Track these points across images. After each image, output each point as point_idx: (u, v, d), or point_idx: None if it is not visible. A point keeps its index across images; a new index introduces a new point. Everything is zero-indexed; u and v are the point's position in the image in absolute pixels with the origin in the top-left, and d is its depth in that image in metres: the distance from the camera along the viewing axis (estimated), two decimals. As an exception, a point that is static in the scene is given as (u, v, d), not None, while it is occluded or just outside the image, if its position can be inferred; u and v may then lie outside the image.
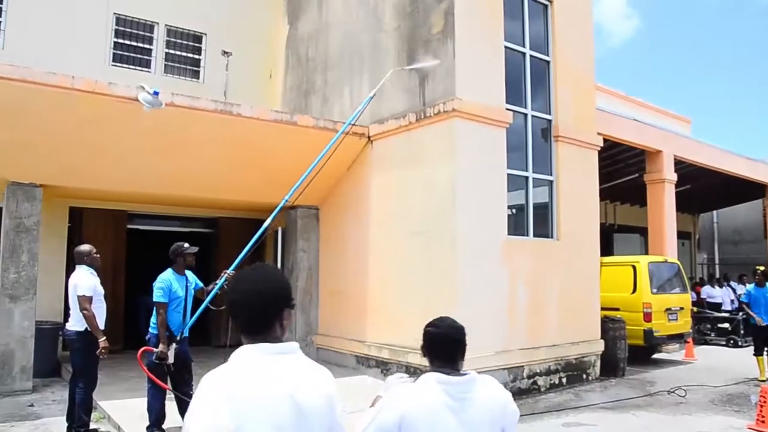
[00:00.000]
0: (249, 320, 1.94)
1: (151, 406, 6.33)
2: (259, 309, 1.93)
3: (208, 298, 6.49)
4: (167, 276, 6.38)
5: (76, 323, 6.34)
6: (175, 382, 6.40)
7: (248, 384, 1.80)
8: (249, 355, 1.88)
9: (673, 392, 8.87)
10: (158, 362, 6.19)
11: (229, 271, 6.42)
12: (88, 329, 6.27)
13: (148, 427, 6.31)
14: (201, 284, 6.76)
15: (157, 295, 6.24)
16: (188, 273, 6.63)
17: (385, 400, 2.42)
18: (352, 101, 10.68)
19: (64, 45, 11.12)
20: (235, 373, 1.83)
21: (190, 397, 6.36)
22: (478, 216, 8.58)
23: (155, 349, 6.21)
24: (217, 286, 6.41)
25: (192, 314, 6.57)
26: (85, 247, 6.65)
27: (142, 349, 6.23)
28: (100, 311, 6.40)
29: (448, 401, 2.34)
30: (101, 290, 6.50)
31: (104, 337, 6.29)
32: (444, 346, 2.52)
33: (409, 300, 8.95)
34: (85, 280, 6.33)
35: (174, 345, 6.24)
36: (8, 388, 8.22)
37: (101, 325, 6.35)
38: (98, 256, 6.68)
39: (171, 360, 6.20)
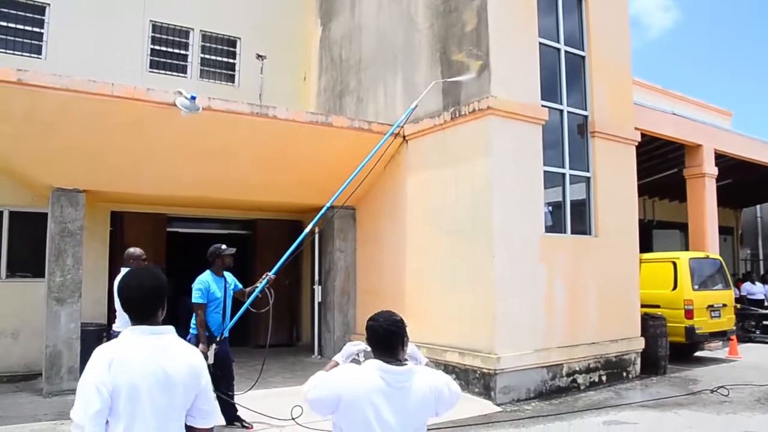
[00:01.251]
0: (137, 309, 2.43)
1: None
2: (146, 301, 2.43)
3: (249, 300, 6.58)
4: (205, 278, 6.47)
5: (122, 325, 6.46)
6: (216, 382, 6.50)
7: (127, 353, 2.31)
8: (131, 334, 2.39)
9: (715, 391, 8.67)
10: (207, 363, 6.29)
11: (271, 274, 6.51)
12: None
13: None
14: (240, 286, 6.84)
15: (195, 297, 6.35)
16: (227, 274, 6.72)
17: (330, 375, 2.65)
18: (386, 101, 10.71)
19: (102, 53, 11.38)
20: (118, 346, 2.35)
21: (232, 398, 6.49)
22: (515, 214, 8.53)
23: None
24: (258, 289, 6.48)
25: (232, 316, 6.66)
26: (135, 251, 6.68)
27: None
28: None
29: (385, 388, 2.52)
30: None
31: None
32: (382, 338, 2.66)
33: (446, 299, 8.95)
34: None
35: (213, 345, 6.33)
36: (56, 388, 8.44)
37: None
38: (146, 261, 6.75)
39: (211, 360, 6.30)
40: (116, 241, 10.95)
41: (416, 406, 2.57)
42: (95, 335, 9.60)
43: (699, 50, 59.90)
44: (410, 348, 2.84)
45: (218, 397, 6.59)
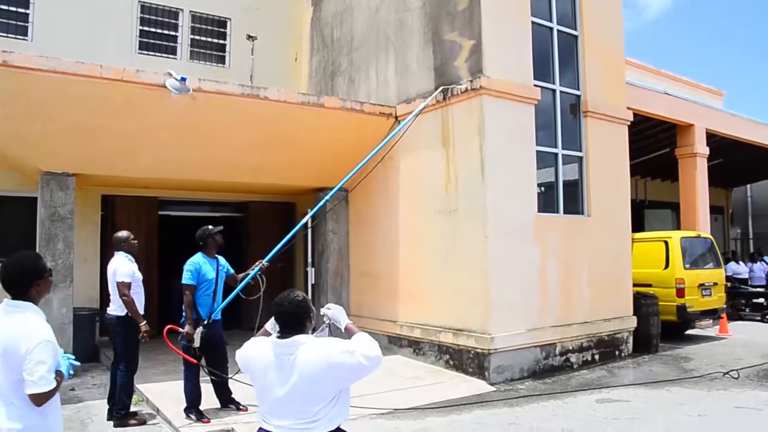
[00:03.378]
0: (9, 288, 2.95)
1: (186, 389, 6.45)
2: (15, 281, 2.95)
3: (240, 286, 6.56)
4: (196, 259, 6.45)
5: (117, 308, 6.46)
6: (208, 364, 6.51)
7: None
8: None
9: (727, 374, 8.61)
10: (187, 344, 6.30)
11: (264, 261, 6.49)
12: (129, 314, 6.39)
13: (185, 409, 6.43)
14: (232, 271, 6.82)
15: (186, 278, 6.33)
16: (220, 258, 6.70)
17: (247, 343, 2.98)
18: (378, 81, 10.63)
19: (90, 35, 11.23)
20: None
21: (226, 381, 6.50)
22: (509, 194, 8.53)
23: (181, 330, 6.31)
24: (249, 276, 6.46)
25: (223, 299, 6.65)
26: (122, 234, 6.74)
27: (168, 327, 6.32)
28: (138, 296, 6.51)
29: (274, 360, 2.75)
30: (139, 276, 6.61)
31: (144, 321, 6.40)
32: (287, 320, 2.84)
33: (440, 279, 8.96)
34: (124, 266, 6.43)
35: (201, 328, 6.31)
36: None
37: (141, 310, 6.46)
38: (135, 242, 6.78)
39: (197, 343, 6.29)
40: (107, 225, 10.91)
41: (302, 377, 2.66)
42: (88, 320, 9.60)
43: (695, 30, 59.70)
44: (333, 312, 3.10)
45: (212, 381, 6.62)
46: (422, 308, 9.29)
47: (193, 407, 6.42)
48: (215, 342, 6.52)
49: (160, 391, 7.47)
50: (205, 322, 6.37)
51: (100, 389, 7.80)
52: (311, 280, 11.11)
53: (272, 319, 3.02)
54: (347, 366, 2.67)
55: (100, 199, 11.12)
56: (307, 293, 11.18)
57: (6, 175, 9.93)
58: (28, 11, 10.96)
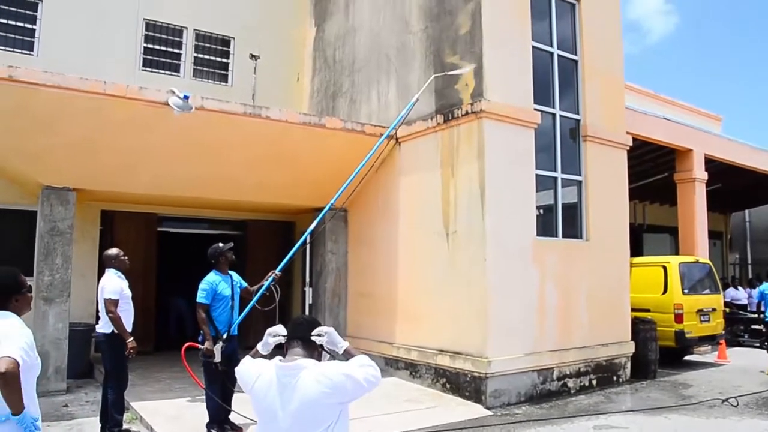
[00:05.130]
0: None
1: (208, 405, 6.42)
2: None
3: (256, 297, 6.60)
4: (211, 278, 6.49)
5: (104, 325, 6.45)
6: (226, 380, 6.48)
7: None
8: None
9: (726, 401, 8.56)
10: (207, 360, 6.30)
11: (277, 271, 6.53)
12: (116, 331, 6.38)
13: (207, 425, 6.41)
14: (245, 284, 6.85)
15: (200, 296, 6.38)
16: (232, 273, 6.73)
17: (248, 362, 2.96)
18: (379, 103, 10.69)
19: (95, 51, 11.31)
20: None
21: (230, 399, 6.46)
22: (508, 217, 8.54)
23: (201, 346, 6.32)
24: (263, 287, 6.49)
25: (239, 314, 6.69)
26: (113, 251, 6.77)
27: (186, 344, 6.31)
28: (127, 313, 6.50)
29: (276, 383, 2.73)
30: (128, 293, 6.60)
31: (131, 338, 6.38)
32: (293, 325, 2.93)
33: (438, 301, 8.94)
34: (112, 283, 6.43)
35: (221, 343, 6.33)
36: (43, 389, 8.31)
37: (129, 327, 6.45)
38: (125, 258, 6.78)
39: (218, 358, 6.28)
40: (106, 240, 10.90)
41: (303, 402, 2.65)
42: (83, 335, 9.55)
43: (696, 55, 60.18)
44: (328, 337, 2.95)
45: (210, 399, 6.57)
46: (420, 330, 9.27)
47: (214, 423, 6.39)
48: (231, 357, 6.51)
49: (155, 409, 7.42)
50: (225, 337, 6.39)
51: (93, 406, 7.74)
52: (309, 300, 11.09)
53: (264, 339, 3.03)
54: (347, 388, 2.67)
55: (99, 215, 11.12)
56: (304, 313, 11.17)
57: (6, 188, 9.96)
58: (34, 27, 11.05)
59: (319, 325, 2.92)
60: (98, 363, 9.32)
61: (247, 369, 2.91)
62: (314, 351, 2.86)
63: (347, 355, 2.94)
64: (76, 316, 9.66)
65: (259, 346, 3.05)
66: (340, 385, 2.66)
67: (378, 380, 2.76)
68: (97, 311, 6.64)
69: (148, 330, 11.24)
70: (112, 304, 6.31)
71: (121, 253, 6.77)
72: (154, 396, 8.13)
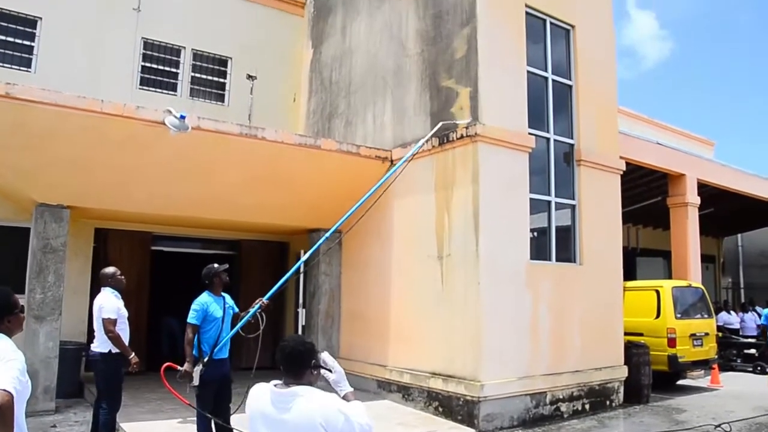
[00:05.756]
0: None
1: (198, 428, 6.32)
2: None
3: (239, 324, 6.50)
4: (203, 299, 6.39)
5: (100, 345, 6.41)
6: (216, 403, 6.37)
7: None
8: None
9: (718, 427, 8.47)
10: (186, 381, 6.19)
11: (264, 299, 6.44)
12: (112, 351, 6.33)
13: None
14: (237, 309, 6.78)
15: (190, 316, 6.25)
16: (225, 296, 6.66)
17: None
18: (375, 125, 10.76)
19: (92, 69, 11.36)
20: None
21: (228, 421, 6.37)
22: (501, 240, 8.56)
23: (179, 368, 6.22)
24: (249, 314, 6.41)
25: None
26: (109, 270, 6.76)
27: (165, 365, 6.24)
28: (123, 333, 6.48)
29: (270, 408, 2.72)
30: (125, 312, 6.58)
31: (133, 354, 6.36)
32: (282, 356, 2.81)
33: (431, 324, 8.93)
34: (110, 303, 6.41)
35: (200, 366, 6.23)
36: (31, 409, 8.21)
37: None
38: (122, 278, 6.78)
39: (195, 381, 6.19)
40: (99, 258, 10.85)
41: (295, 429, 2.63)
42: (74, 354, 9.47)
43: (689, 81, 60.82)
44: (336, 377, 2.96)
45: (200, 421, 6.47)
46: (412, 353, 9.24)
47: None
48: (224, 381, 6.42)
49: (145, 431, 7.34)
50: (206, 360, 6.29)
51: (82, 426, 7.66)
52: (302, 321, 11.05)
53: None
54: (338, 427, 2.62)
55: (93, 232, 11.08)
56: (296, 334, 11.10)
57: (0, 204, 9.92)
58: (33, 44, 11.10)
59: (311, 346, 2.84)
60: (89, 382, 9.23)
61: (252, 389, 2.88)
62: (310, 375, 2.82)
63: (345, 399, 2.90)
64: (67, 335, 9.59)
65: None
66: (334, 421, 2.61)
67: (372, 430, 2.70)
68: (91, 330, 6.60)
69: (140, 349, 11.10)
70: (111, 324, 6.29)
71: (118, 272, 6.76)
72: (144, 417, 8.05)
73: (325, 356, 3.02)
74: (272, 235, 12.59)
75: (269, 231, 12.24)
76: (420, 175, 9.42)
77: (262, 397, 2.77)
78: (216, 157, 8.88)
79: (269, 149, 9.14)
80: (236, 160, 9.08)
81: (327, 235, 7.31)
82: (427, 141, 8.95)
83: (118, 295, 6.60)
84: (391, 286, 9.82)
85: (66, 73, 10.89)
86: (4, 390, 2.65)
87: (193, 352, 6.25)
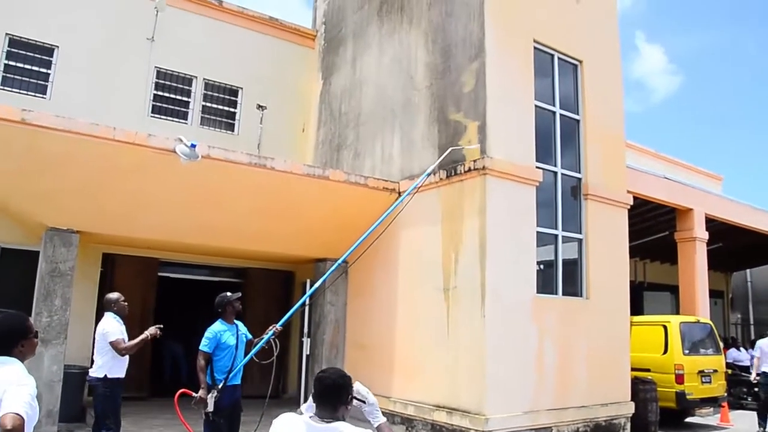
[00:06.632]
0: None
1: None
2: (1, 337, 3.03)
3: (253, 351, 6.54)
4: (216, 327, 6.46)
5: (98, 369, 6.44)
6: (227, 430, 6.37)
7: None
8: None
9: None
10: (205, 411, 6.20)
11: (278, 326, 6.49)
12: (108, 376, 6.36)
13: None
14: (250, 336, 6.83)
15: (202, 344, 6.34)
16: (239, 323, 6.71)
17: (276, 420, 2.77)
18: (383, 156, 10.84)
19: (106, 96, 11.56)
20: None
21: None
22: (508, 274, 8.56)
23: (194, 394, 6.25)
24: (263, 340, 6.46)
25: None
26: (113, 295, 6.82)
27: (180, 391, 6.25)
28: (124, 360, 6.51)
29: None
30: (126, 338, 6.62)
31: (146, 334, 6.49)
32: (321, 387, 2.75)
33: (436, 356, 8.88)
34: (113, 326, 6.48)
35: (215, 392, 6.26)
36: (34, 433, 8.25)
37: (122, 372, 6.52)
38: (126, 304, 6.82)
39: (210, 408, 6.19)
40: (106, 283, 10.89)
41: None
42: (77, 378, 9.45)
43: (698, 115, 61.01)
44: (369, 408, 2.92)
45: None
46: (417, 385, 9.18)
47: None
48: (236, 407, 6.43)
49: (146, 459, 7.31)
50: (219, 387, 6.32)
51: (83, 453, 7.63)
52: (306, 350, 11.02)
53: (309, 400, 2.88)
54: None
55: (100, 257, 11.15)
56: (301, 364, 11.08)
57: (10, 227, 10.01)
58: (49, 71, 11.33)
59: (350, 380, 2.80)
60: (90, 407, 9.21)
61: (279, 421, 2.77)
62: (345, 410, 2.78)
63: (379, 430, 2.87)
64: (71, 359, 9.59)
65: (304, 407, 2.91)
66: None
67: None
68: (92, 354, 6.63)
69: (143, 375, 11.13)
70: (120, 342, 6.37)
71: (122, 297, 6.81)
72: (146, 444, 8.01)
73: (358, 386, 2.97)
74: (279, 263, 12.62)
75: (276, 260, 12.28)
76: (427, 207, 9.47)
77: (296, 430, 2.68)
78: (225, 185, 8.97)
79: (278, 179, 9.22)
80: (245, 189, 9.17)
81: (336, 265, 7.36)
82: (435, 169, 9.02)
83: (120, 321, 6.64)
84: (397, 317, 9.80)
85: (80, 100, 11.08)
86: (17, 414, 2.71)
87: (206, 379, 6.30)
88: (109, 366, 6.43)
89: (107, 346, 6.40)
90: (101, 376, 6.40)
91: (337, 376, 2.78)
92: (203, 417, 6.26)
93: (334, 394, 2.73)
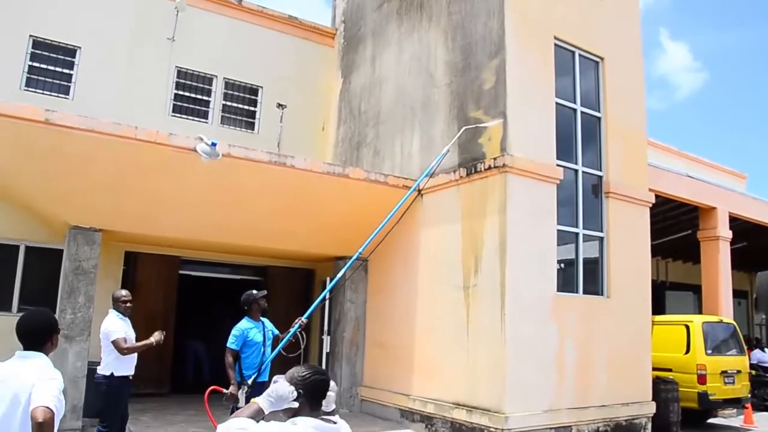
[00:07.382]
0: (26, 341, 3.15)
1: None
2: (33, 334, 3.17)
3: (281, 344, 6.64)
4: (243, 325, 6.56)
5: (105, 367, 6.50)
6: None
7: None
8: (11, 356, 3.14)
9: None
10: (234, 406, 6.27)
11: (303, 318, 6.58)
12: (114, 374, 6.42)
13: None
14: (277, 332, 6.91)
15: (230, 341, 6.48)
16: (265, 320, 6.79)
17: (260, 428, 2.41)
18: (402, 155, 10.84)
19: (127, 96, 11.67)
20: None
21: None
22: (528, 272, 8.51)
23: (225, 391, 6.32)
24: (290, 333, 6.55)
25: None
26: (120, 293, 6.91)
27: (210, 388, 6.32)
28: (130, 358, 6.57)
29: None
30: (133, 334, 6.68)
31: (151, 339, 6.52)
32: (323, 392, 2.61)
33: (455, 354, 8.87)
34: (115, 325, 6.53)
35: (245, 388, 6.35)
36: (59, 427, 8.31)
37: (131, 369, 6.60)
38: (129, 305, 6.86)
39: (242, 403, 6.26)
40: (128, 280, 11.02)
41: None
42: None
43: (722, 112, 60.13)
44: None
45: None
46: (436, 383, 9.17)
47: None
48: None
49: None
50: (249, 383, 6.41)
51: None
52: (326, 348, 11.05)
53: (280, 390, 2.57)
54: None
55: (123, 255, 11.27)
56: (321, 362, 11.13)
57: (35, 226, 10.18)
58: (71, 72, 11.47)
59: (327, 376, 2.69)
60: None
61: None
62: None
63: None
64: (94, 355, 9.68)
65: (263, 402, 2.59)
66: None
67: None
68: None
69: (165, 372, 11.24)
70: (122, 341, 6.39)
71: (123, 297, 6.85)
72: (167, 440, 8.10)
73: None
74: (299, 261, 12.68)
75: (296, 258, 12.34)
76: (447, 205, 9.45)
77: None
78: (245, 184, 9.02)
79: (298, 177, 9.25)
80: (265, 188, 9.22)
81: (355, 256, 7.41)
82: (449, 149, 9.09)
83: (124, 318, 6.71)
84: (416, 315, 9.79)
85: (102, 100, 11.20)
86: (47, 407, 2.78)
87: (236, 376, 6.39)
88: (115, 364, 6.48)
89: (111, 345, 6.45)
90: (107, 374, 6.46)
91: (324, 374, 2.66)
92: (230, 413, 6.31)
93: (323, 392, 2.63)
